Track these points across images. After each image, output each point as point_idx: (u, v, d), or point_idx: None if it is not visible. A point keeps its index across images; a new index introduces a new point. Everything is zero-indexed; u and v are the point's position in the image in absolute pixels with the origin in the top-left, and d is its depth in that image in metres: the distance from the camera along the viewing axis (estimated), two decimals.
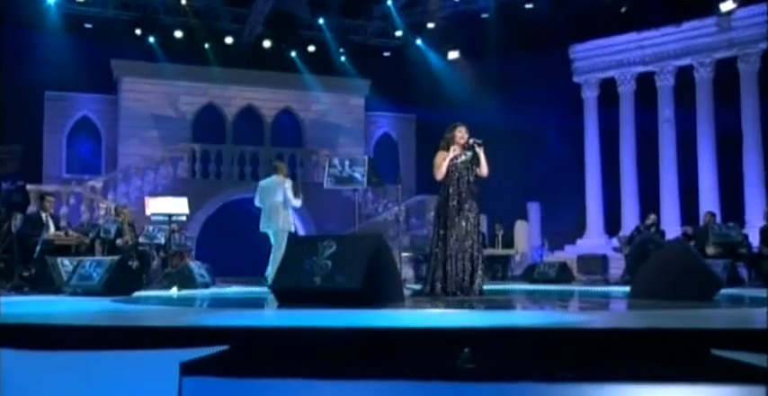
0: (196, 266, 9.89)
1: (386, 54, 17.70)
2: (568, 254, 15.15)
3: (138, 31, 15.90)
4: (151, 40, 16.20)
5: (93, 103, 16.90)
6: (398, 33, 16.95)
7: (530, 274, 11.01)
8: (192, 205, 14.91)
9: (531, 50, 15.68)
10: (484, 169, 5.74)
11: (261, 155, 16.66)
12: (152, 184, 15.70)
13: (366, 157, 6.75)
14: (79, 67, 15.32)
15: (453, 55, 17.17)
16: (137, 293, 6.99)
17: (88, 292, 6.71)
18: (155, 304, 5.47)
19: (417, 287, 6.12)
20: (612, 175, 16.46)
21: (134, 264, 9.94)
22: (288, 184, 8.57)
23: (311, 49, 17.06)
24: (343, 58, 17.56)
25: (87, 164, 16.53)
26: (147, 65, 16.39)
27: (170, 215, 8.62)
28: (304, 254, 4.71)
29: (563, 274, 10.45)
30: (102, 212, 13.25)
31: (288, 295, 4.73)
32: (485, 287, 5.95)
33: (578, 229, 16.54)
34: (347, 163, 6.77)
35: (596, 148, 16.71)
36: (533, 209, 16.44)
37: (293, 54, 17.29)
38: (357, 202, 8.22)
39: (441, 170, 5.78)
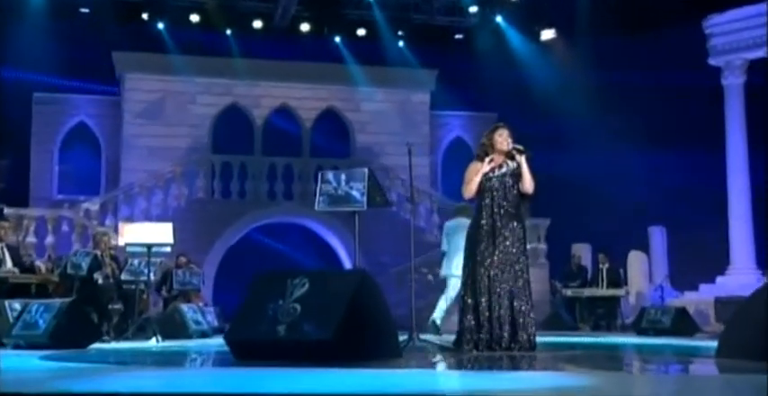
0: (192, 311, 9.85)
1: (457, 37, 17.63)
2: (703, 295, 14.32)
3: (144, 16, 16.22)
4: (160, 26, 16.47)
5: (91, 107, 17.26)
6: (473, 10, 16.93)
7: (638, 323, 10.61)
8: (210, 232, 15.79)
9: (650, 26, 15.37)
10: (527, 183, 5.68)
11: (296, 168, 16.71)
12: (160, 206, 15.90)
13: (366, 170, 6.72)
14: (73, 62, 15.72)
15: (547, 35, 17.02)
16: (94, 346, 6.99)
17: (32, 345, 6.67)
18: (89, 361, 5.35)
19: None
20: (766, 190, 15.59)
21: (116, 306, 10.00)
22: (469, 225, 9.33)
23: (360, 32, 17.12)
24: (401, 44, 17.56)
25: (83, 181, 16.79)
26: (155, 58, 16.65)
27: (149, 245, 8.56)
28: (269, 295, 4.74)
29: (682, 322, 9.95)
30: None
31: (246, 349, 4.72)
32: (549, 339, 5.98)
33: (719, 263, 15.65)
34: (343, 177, 6.74)
35: (742, 153, 15.54)
36: (656, 235, 15.78)
37: (337, 40, 17.36)
38: (413, 226, 7.83)
39: (470, 186, 5.70)
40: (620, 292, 13.14)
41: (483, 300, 5.53)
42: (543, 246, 15.45)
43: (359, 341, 4.49)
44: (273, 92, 17.54)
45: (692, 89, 15.55)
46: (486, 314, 5.52)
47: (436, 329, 9.47)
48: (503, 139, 5.78)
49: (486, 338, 5.50)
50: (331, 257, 17.02)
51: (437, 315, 9.54)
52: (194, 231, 15.44)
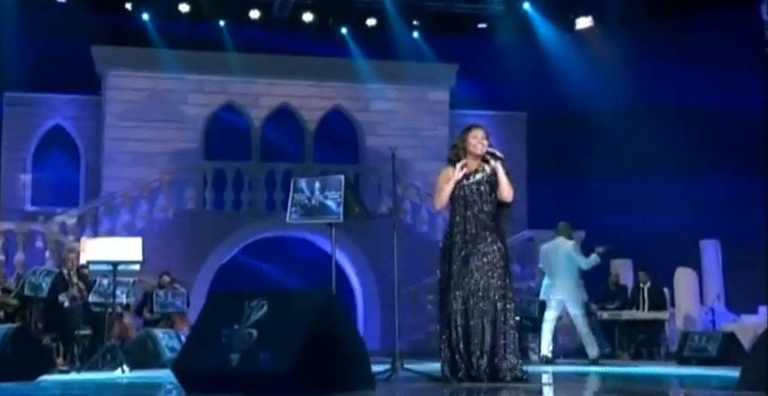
0: (168, 337, 9.68)
1: (479, 26, 17.57)
2: (763, 319, 13.98)
3: (128, 6, 16.24)
4: (146, 17, 16.44)
5: (69, 108, 17.23)
6: None
7: (680, 351, 10.45)
8: (201, 248, 15.72)
9: (702, 9, 15.21)
10: (504, 191, 5.64)
11: (298, 175, 16.26)
12: (145, 218, 15.83)
13: (342, 178, 6.77)
14: (48, 57, 15.63)
15: (583, 23, 16.93)
16: (47, 377, 6.96)
17: None
18: None
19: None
20: None
21: (84, 332, 9.84)
22: (571, 246, 10.42)
23: (370, 23, 17.10)
24: (416, 35, 17.52)
25: (60, 192, 16.77)
26: (140, 52, 16.65)
27: (114, 263, 8.44)
28: (224, 319, 4.71)
29: (729, 350, 9.68)
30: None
31: (195, 380, 4.64)
32: (575, 369, 5.95)
33: None
34: (317, 186, 6.78)
35: None
36: (709, 249, 15.46)
37: (344, 31, 17.32)
38: (396, 241, 7.65)
39: (440, 195, 5.66)
40: (663, 315, 12.92)
41: (458, 329, 5.49)
42: None
43: (323, 371, 4.40)
44: (273, 90, 17.51)
45: (749, 83, 15.35)
46: (461, 346, 5.48)
47: (548, 362, 10.10)
48: (476, 141, 5.70)
49: (465, 370, 5.47)
50: (337, 276, 16.75)
51: (545, 346, 10.36)
52: (183, 247, 15.43)
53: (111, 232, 15.24)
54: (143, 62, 16.63)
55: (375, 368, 5.36)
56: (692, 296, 14.49)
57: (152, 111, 16.85)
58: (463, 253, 5.57)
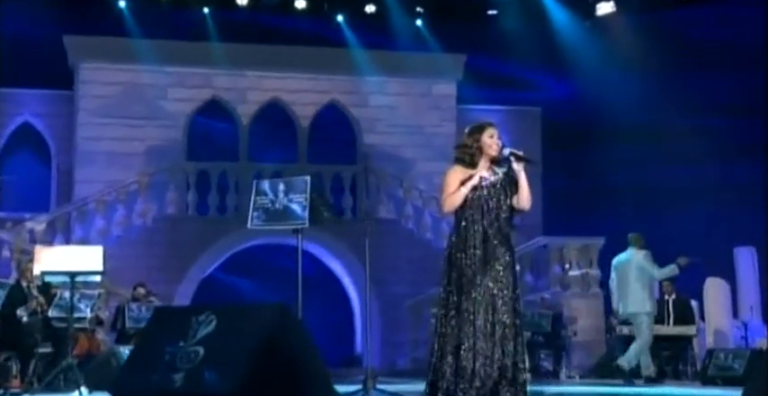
0: None
1: (490, 13, 17.59)
2: None
3: None
4: (122, 4, 16.42)
5: (39, 104, 17.18)
6: None
7: (705, 369, 10.46)
8: (183, 257, 15.63)
9: None
10: (524, 198, 5.64)
11: (290, 176, 16.19)
12: (122, 224, 15.73)
13: (308, 179, 6.84)
14: (16, 48, 15.56)
15: (605, 8, 16.90)
16: None
17: None
18: None
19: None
20: None
21: (45, 349, 9.70)
22: (642, 256, 10.73)
23: (369, 9, 17.13)
24: (419, 23, 17.55)
25: (29, 195, 16.68)
26: (116, 43, 16.61)
27: (72, 274, 8.29)
28: (168, 336, 4.77)
29: (758, 369, 9.32)
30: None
31: None
32: (591, 389, 6.11)
33: None
34: (281, 188, 6.86)
35: None
36: (744, 257, 15.35)
37: (340, 19, 17.35)
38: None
39: (454, 198, 5.58)
40: (690, 330, 12.64)
41: (466, 344, 5.39)
42: (595, 271, 14.81)
43: (274, 392, 4.39)
44: (262, 84, 17.46)
45: None
46: (469, 359, 5.38)
47: (624, 374, 10.53)
48: (492, 142, 5.64)
49: (467, 387, 5.36)
50: (334, 288, 16.73)
51: (628, 358, 10.64)
52: (163, 256, 15.39)
53: (85, 240, 15.17)
54: (119, 53, 16.55)
55: (346, 389, 5.21)
56: (724, 309, 14.30)
57: (129, 107, 16.76)
58: (478, 263, 5.49)
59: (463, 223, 5.57)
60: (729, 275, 14.82)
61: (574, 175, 17.61)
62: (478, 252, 5.49)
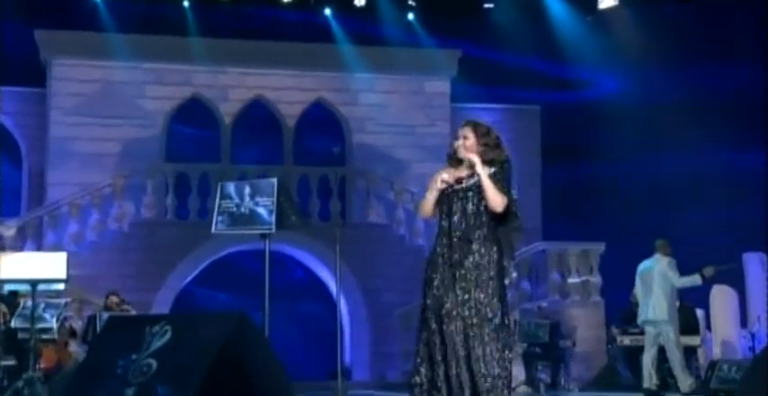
0: None
1: (486, 5, 17.53)
2: None
3: None
4: None
5: (9, 101, 16.96)
6: None
7: (707, 381, 10.34)
8: (161, 264, 15.53)
9: None
10: (491, 201, 5.54)
11: (275, 177, 16.22)
12: (97, 229, 15.65)
13: (275, 181, 6.90)
14: None
15: (607, 2, 16.87)
16: None
17: None
18: None
19: None
20: None
21: (7, 362, 9.65)
22: (666, 263, 10.96)
23: (358, 2, 17.03)
24: (411, 17, 17.55)
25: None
26: (91, 37, 16.57)
27: (33, 282, 8.24)
28: (120, 348, 4.71)
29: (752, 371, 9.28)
30: None
31: None
32: None
33: None
34: (247, 191, 6.90)
35: None
36: (753, 264, 15.26)
37: (328, 13, 17.31)
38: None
39: (422, 205, 5.71)
40: (694, 340, 12.67)
41: (437, 357, 5.44)
42: (596, 279, 14.94)
43: None
44: (246, 81, 17.43)
45: None
46: (441, 365, 5.44)
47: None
48: (460, 143, 5.66)
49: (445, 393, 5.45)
50: (321, 295, 16.74)
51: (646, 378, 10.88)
52: (140, 263, 15.37)
53: (58, 246, 15.09)
54: (94, 49, 16.51)
55: None
56: (732, 319, 14.29)
57: (104, 105, 16.70)
58: (445, 272, 5.51)
59: (441, 227, 5.63)
60: (738, 283, 14.73)
61: (575, 176, 17.67)
62: (447, 256, 5.52)
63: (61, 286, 9.30)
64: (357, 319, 16.22)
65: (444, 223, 5.58)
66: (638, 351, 12.75)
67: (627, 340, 13.02)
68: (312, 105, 17.77)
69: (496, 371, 5.35)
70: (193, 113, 17.38)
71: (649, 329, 11.13)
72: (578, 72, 17.02)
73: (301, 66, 17.29)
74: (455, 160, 5.66)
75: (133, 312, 12.33)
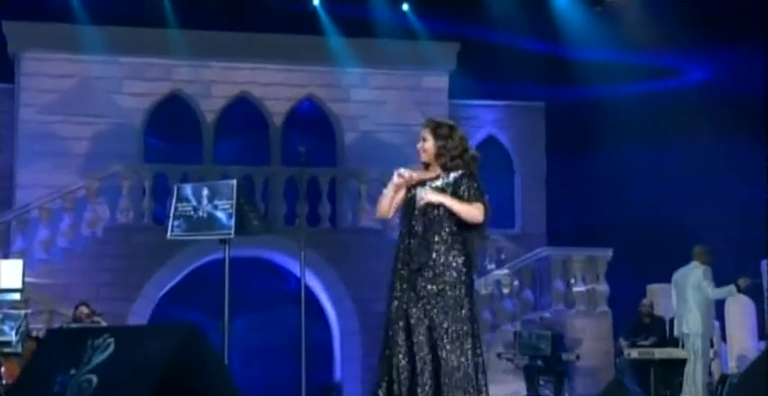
0: None
1: None
2: None
3: None
4: None
5: None
6: None
7: None
8: (137, 272, 15.44)
9: None
10: (467, 218, 5.62)
11: (260, 181, 16.35)
12: (69, 235, 15.56)
13: (233, 183, 6.87)
14: None
15: None
16: None
17: None
18: None
19: None
20: None
21: None
22: (701, 272, 11.09)
23: None
24: (406, 7, 17.52)
25: None
26: (63, 29, 16.53)
27: None
28: (60, 363, 4.78)
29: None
30: None
31: None
32: None
33: None
34: (205, 193, 6.88)
35: None
36: None
37: (317, 3, 17.27)
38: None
39: (380, 202, 5.86)
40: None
41: (401, 373, 5.53)
42: (603, 287, 15.08)
43: None
44: (230, 76, 17.44)
45: None
46: (401, 379, 5.53)
47: None
48: (419, 146, 5.79)
49: None
50: (309, 306, 16.37)
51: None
52: (115, 270, 15.31)
53: (27, 252, 15.04)
54: (66, 42, 16.47)
55: None
56: (749, 330, 14.16)
57: (78, 102, 16.65)
58: (405, 283, 5.60)
59: (402, 232, 5.72)
60: (755, 292, 14.60)
61: (582, 178, 17.50)
62: (412, 263, 5.58)
63: (17, 296, 9.23)
64: (348, 330, 16.14)
65: (405, 229, 5.67)
66: (648, 365, 12.97)
67: (636, 353, 12.94)
68: (301, 102, 17.79)
69: (464, 381, 5.41)
70: (173, 111, 17.32)
71: (685, 342, 11.39)
72: (586, 65, 16.83)
73: (290, 60, 17.29)
74: (424, 162, 5.75)
75: (103, 324, 12.12)
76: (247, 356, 15.09)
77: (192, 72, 17.17)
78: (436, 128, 5.71)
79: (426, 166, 5.74)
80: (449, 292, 5.49)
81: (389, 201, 5.72)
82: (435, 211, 5.61)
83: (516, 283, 14.99)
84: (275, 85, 17.48)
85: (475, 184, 5.62)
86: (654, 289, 14.54)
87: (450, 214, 5.58)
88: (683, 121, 15.63)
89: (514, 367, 13.57)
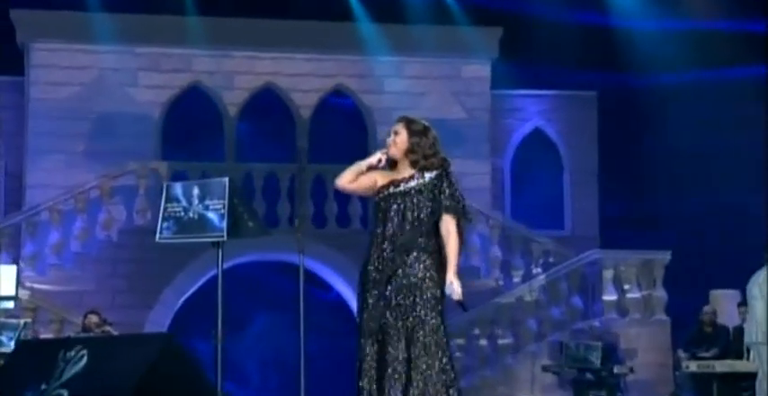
0: None
1: None
2: None
3: None
4: None
5: None
6: None
7: None
8: (155, 278, 15.42)
9: None
10: (456, 250, 5.75)
11: (286, 179, 16.29)
12: (82, 238, 15.53)
13: (226, 181, 6.72)
14: None
15: None
16: None
17: None
18: None
19: None
20: None
21: None
22: None
23: None
24: None
25: None
26: (76, 18, 16.55)
27: None
28: (31, 376, 4.85)
29: None
30: None
31: None
32: None
33: None
34: (196, 192, 6.73)
35: None
36: None
37: None
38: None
39: (346, 171, 5.95)
40: (747, 366, 12.37)
41: (372, 386, 5.64)
42: (660, 293, 14.78)
43: None
44: (254, 66, 17.39)
45: None
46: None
47: None
48: (390, 140, 5.85)
49: None
50: (340, 312, 16.55)
51: None
52: (130, 276, 15.32)
53: (37, 257, 15.15)
54: (79, 31, 16.47)
55: None
56: None
57: (91, 95, 16.67)
58: (377, 286, 5.70)
59: (374, 234, 5.81)
60: None
61: (638, 174, 17.46)
62: (385, 268, 5.70)
63: (10, 304, 9.14)
64: None
65: (378, 231, 5.77)
66: (709, 379, 12.88)
67: (695, 366, 12.87)
68: (330, 94, 17.77)
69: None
70: (193, 104, 17.28)
71: (753, 353, 11.21)
72: (641, 49, 16.73)
73: (317, 48, 17.24)
74: (392, 162, 5.81)
75: (113, 333, 12.18)
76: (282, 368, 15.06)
77: (212, 62, 17.14)
78: (410, 123, 5.81)
79: (393, 164, 5.82)
80: (425, 303, 5.59)
81: (355, 175, 5.83)
82: (414, 215, 5.72)
83: (537, 293, 14.78)
84: (302, 75, 17.42)
85: (454, 187, 5.73)
86: (717, 295, 14.49)
87: (428, 219, 5.70)
88: (749, 110, 15.48)
89: (561, 381, 13.48)
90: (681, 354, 13.41)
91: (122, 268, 15.22)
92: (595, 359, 12.82)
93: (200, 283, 15.86)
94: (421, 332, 5.58)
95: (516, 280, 15.77)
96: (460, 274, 5.68)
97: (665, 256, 14.83)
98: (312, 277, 16.61)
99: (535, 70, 17.58)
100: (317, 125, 17.57)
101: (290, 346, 15.72)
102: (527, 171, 17.81)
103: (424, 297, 5.62)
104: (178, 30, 16.67)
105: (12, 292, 8.88)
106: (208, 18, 16.68)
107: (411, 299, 5.62)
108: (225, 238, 6.58)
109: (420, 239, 5.73)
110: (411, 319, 5.60)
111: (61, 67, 16.67)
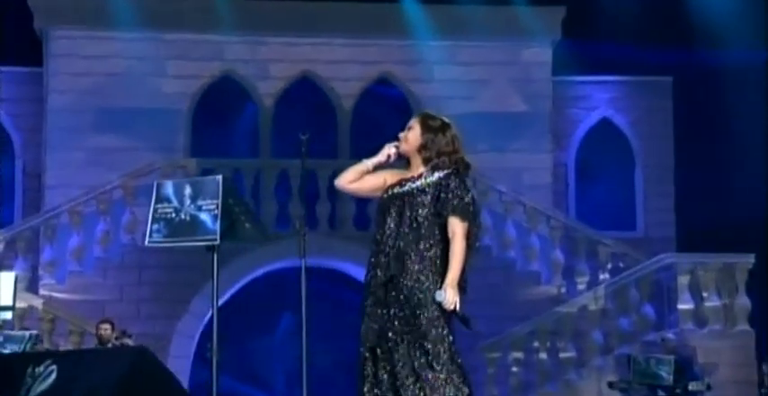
0: None
1: None
2: None
3: None
4: None
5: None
6: None
7: None
8: (183, 285, 15.39)
9: None
10: (461, 254, 5.69)
11: (325, 175, 15.87)
12: (104, 243, 15.63)
13: (219, 179, 6.72)
14: None
15: None
16: None
17: None
18: None
19: None
20: None
21: None
22: None
23: None
24: None
25: None
26: (98, 3, 16.61)
27: None
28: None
29: None
30: None
31: None
32: None
33: None
34: (188, 191, 6.72)
35: None
36: None
37: None
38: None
39: (347, 172, 5.99)
40: None
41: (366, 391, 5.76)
42: (743, 301, 14.47)
43: None
44: (290, 53, 17.48)
45: None
46: None
47: None
48: (402, 134, 5.86)
49: None
50: None
51: None
52: (157, 283, 15.41)
53: (56, 263, 15.27)
54: (101, 16, 16.56)
55: None
56: None
57: (114, 87, 16.83)
58: (379, 292, 5.75)
59: (377, 235, 5.83)
60: None
61: (718, 169, 17.16)
62: (380, 280, 5.74)
63: (8, 315, 8.88)
64: None
65: (378, 236, 5.80)
66: None
67: None
68: (375, 83, 17.83)
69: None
70: (225, 95, 17.37)
71: None
72: (724, 28, 16.35)
73: (360, 33, 17.35)
74: (407, 161, 5.83)
75: (130, 342, 12.18)
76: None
77: (245, 50, 17.27)
78: (427, 119, 5.84)
79: (406, 163, 5.84)
80: (427, 313, 5.60)
81: (358, 174, 5.88)
82: (413, 217, 5.73)
83: (635, 296, 14.49)
84: (343, 62, 17.52)
85: (463, 188, 5.68)
86: None
87: (429, 221, 5.70)
88: None
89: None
90: (766, 369, 13.42)
91: (148, 275, 15.24)
92: (667, 375, 12.53)
93: (231, 291, 15.78)
94: (425, 343, 5.60)
95: (581, 287, 15.67)
96: (465, 284, 5.67)
97: (748, 260, 14.59)
98: (351, 282, 16.59)
99: (602, 53, 17.27)
100: (360, 117, 17.53)
101: (321, 353, 15.69)
102: (594, 166, 17.73)
103: (424, 308, 5.62)
104: (208, 14, 16.73)
105: (9, 302, 8.82)
106: (240, 1, 16.77)
107: (409, 310, 5.64)
108: (218, 242, 6.54)
109: (420, 244, 5.74)
110: (412, 330, 5.62)
111: (83, 57, 16.74)
